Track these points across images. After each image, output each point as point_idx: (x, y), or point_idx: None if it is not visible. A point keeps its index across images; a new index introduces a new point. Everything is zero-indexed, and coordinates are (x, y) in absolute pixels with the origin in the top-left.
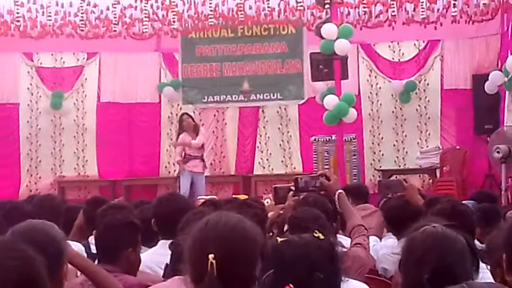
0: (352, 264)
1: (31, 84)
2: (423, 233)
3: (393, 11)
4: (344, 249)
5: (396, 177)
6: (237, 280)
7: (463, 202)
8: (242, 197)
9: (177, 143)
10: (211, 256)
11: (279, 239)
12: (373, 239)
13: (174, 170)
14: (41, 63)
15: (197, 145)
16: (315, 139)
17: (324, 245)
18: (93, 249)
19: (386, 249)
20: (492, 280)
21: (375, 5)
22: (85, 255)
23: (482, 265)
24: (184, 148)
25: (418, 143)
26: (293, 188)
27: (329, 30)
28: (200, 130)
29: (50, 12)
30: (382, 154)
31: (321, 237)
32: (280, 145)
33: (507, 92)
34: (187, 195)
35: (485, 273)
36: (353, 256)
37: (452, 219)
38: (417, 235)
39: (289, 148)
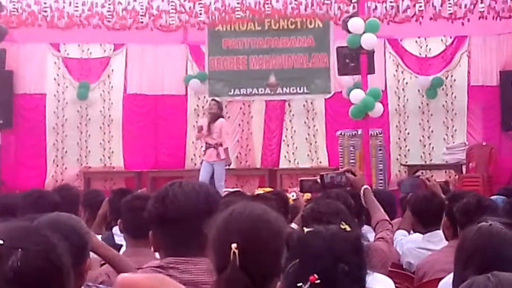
0: (374, 257)
1: (57, 75)
2: (477, 231)
3: (421, 6)
4: (366, 243)
5: (422, 172)
6: (260, 270)
7: (492, 197)
8: (266, 190)
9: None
10: (234, 245)
11: (305, 230)
12: (401, 233)
13: (201, 162)
14: (67, 54)
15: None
16: (341, 134)
17: (350, 237)
18: (117, 240)
19: (411, 243)
20: None
21: (403, 0)
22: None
23: None
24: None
25: (444, 138)
26: (319, 181)
27: (356, 24)
28: (218, 122)
29: (77, 3)
30: (408, 149)
31: (348, 229)
32: (306, 139)
33: None
34: None
35: None
36: (375, 249)
37: (477, 214)
38: (470, 232)
39: (315, 142)
